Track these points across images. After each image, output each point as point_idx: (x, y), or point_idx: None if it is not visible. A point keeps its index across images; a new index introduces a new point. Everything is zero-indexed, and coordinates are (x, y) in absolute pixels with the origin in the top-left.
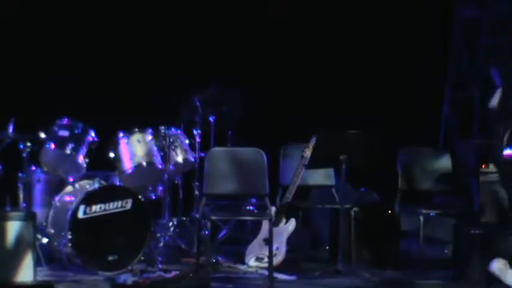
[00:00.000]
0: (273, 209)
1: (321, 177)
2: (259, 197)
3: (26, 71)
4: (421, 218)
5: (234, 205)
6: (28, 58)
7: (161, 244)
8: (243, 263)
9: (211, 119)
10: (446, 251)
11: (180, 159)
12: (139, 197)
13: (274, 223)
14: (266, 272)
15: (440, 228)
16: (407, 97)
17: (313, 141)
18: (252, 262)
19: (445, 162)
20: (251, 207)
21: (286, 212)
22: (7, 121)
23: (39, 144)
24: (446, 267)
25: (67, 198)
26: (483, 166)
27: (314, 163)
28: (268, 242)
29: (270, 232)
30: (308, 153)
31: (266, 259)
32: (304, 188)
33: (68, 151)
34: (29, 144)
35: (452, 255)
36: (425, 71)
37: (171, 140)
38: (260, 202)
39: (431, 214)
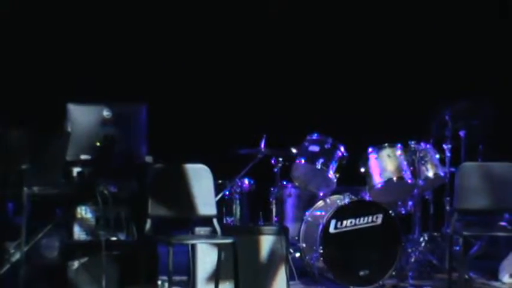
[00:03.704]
0: None
1: None
2: None
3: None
4: None
5: (486, 220)
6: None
7: (412, 259)
8: (497, 279)
9: (461, 133)
10: None
11: (430, 174)
12: (390, 212)
13: None
14: None
15: None
16: None
17: None
18: (506, 279)
19: None
20: (504, 223)
21: None
22: (260, 138)
23: (290, 159)
24: None
25: (318, 213)
26: None
27: None
28: None
29: None
30: None
31: None
32: None
33: (318, 166)
34: (280, 159)
35: None
36: None
37: (421, 154)
38: None
39: None
